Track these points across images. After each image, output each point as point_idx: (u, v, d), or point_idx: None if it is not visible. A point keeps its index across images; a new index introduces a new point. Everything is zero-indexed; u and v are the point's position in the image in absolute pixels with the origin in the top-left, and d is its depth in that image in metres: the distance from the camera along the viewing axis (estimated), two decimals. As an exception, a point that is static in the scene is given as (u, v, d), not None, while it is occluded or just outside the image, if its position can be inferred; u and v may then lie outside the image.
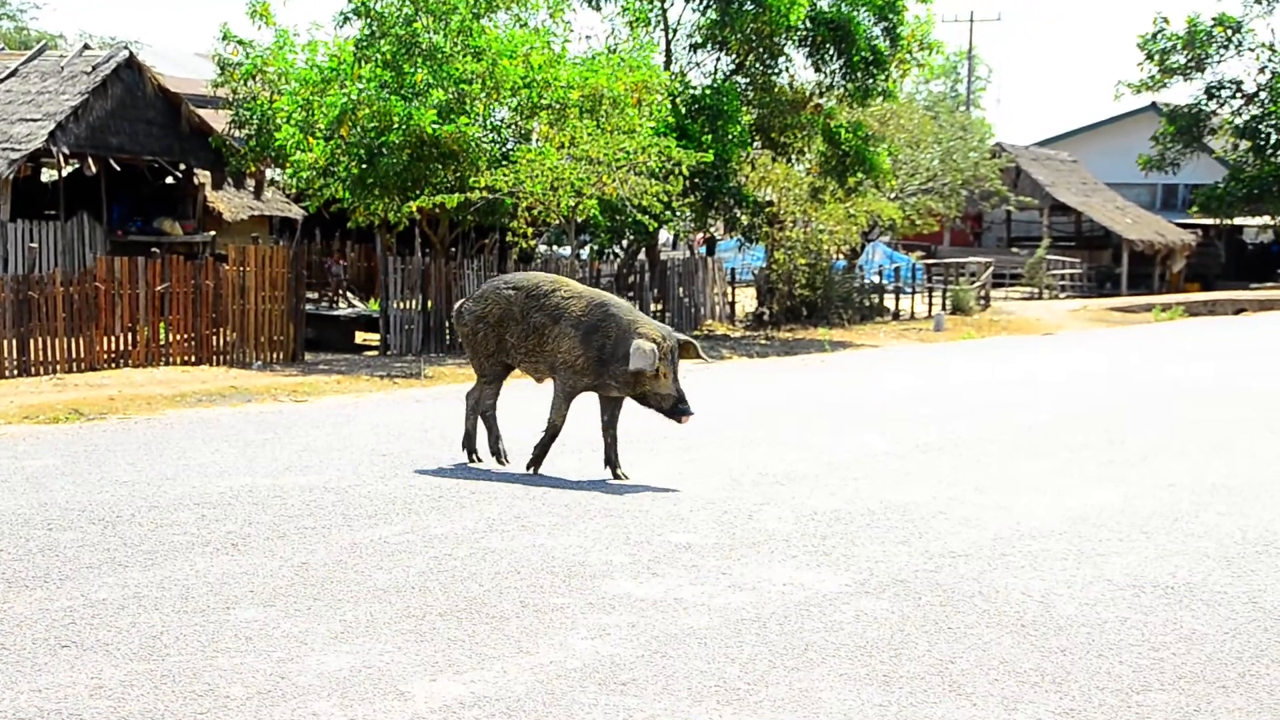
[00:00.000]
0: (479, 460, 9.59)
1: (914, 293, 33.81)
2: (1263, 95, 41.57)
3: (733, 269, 28.19)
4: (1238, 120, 42.00)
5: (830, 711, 4.87)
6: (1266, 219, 44.91)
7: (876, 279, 32.12)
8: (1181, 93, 43.36)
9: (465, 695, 4.95)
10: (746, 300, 28.09)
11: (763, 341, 23.16)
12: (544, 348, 9.22)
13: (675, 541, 7.35)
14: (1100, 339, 25.51)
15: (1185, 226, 48.07)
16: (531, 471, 9.24)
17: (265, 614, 5.86)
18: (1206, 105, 42.41)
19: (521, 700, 4.91)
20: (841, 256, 29.52)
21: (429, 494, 8.55)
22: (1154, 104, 49.87)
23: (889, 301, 30.99)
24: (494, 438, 9.61)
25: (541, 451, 9.33)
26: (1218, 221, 44.18)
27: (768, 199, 25.53)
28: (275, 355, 17.93)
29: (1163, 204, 54.55)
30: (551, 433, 9.31)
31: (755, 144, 24.72)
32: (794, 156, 25.67)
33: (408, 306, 19.82)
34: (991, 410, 13.25)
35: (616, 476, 9.15)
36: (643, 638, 5.65)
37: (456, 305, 9.85)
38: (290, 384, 15.29)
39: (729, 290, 26.92)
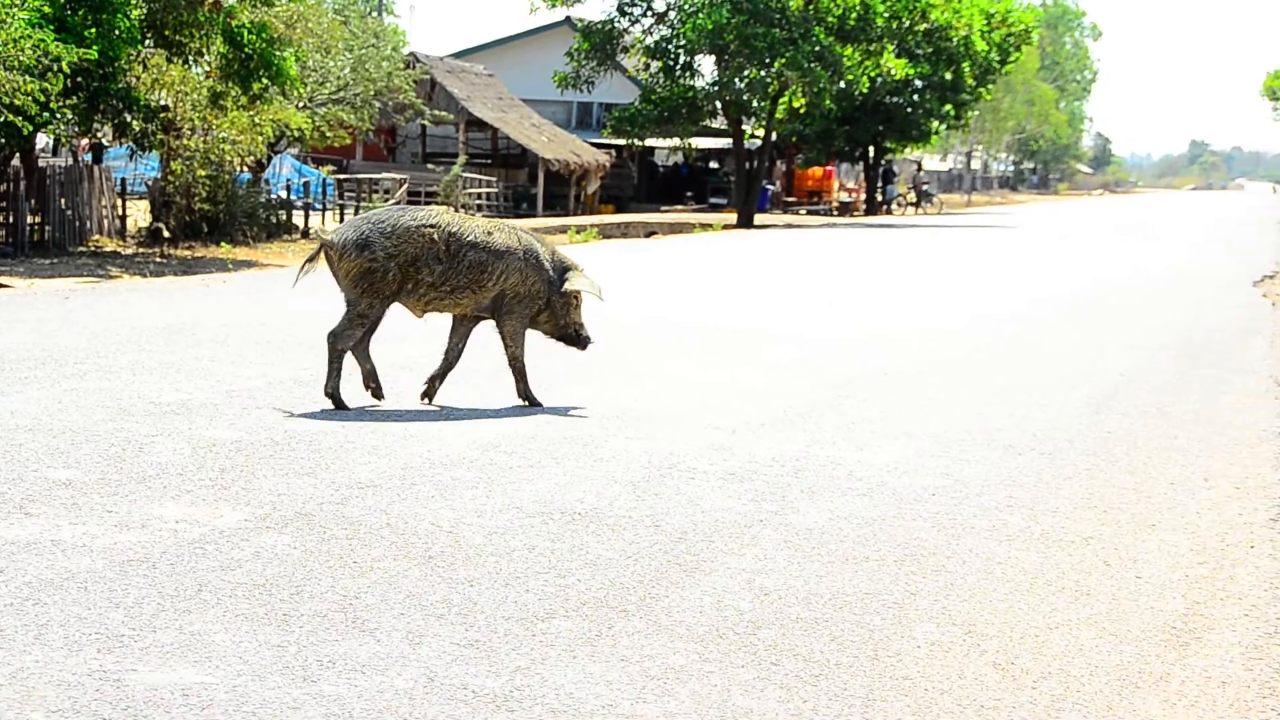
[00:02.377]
0: (381, 400, 9.56)
1: (325, 209, 33.65)
2: (672, 15, 43.64)
3: (124, 179, 27.08)
4: (649, 40, 43.99)
5: (224, 654, 4.81)
6: (676, 141, 47.42)
7: (285, 194, 31.76)
8: (596, 9, 45.07)
9: None
10: (140, 214, 27.04)
11: (158, 260, 22.41)
12: (484, 284, 9.44)
13: (53, 478, 7.03)
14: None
15: (600, 147, 50.27)
16: (527, 404, 9.71)
17: None
18: (620, 23, 44.14)
19: None
20: (246, 169, 28.92)
21: None
22: (569, 19, 51.69)
23: (298, 218, 30.69)
24: (369, 373, 9.58)
25: (528, 388, 9.79)
26: (630, 143, 46.29)
27: (163, 104, 24.62)
28: None
29: (578, 123, 56.86)
30: (522, 366, 9.77)
31: (147, 42, 23.76)
32: (192, 58, 24.84)
33: None
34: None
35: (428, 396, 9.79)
36: (13, 584, 5.38)
37: (350, 238, 9.22)
38: None
39: (119, 202, 25.85)
